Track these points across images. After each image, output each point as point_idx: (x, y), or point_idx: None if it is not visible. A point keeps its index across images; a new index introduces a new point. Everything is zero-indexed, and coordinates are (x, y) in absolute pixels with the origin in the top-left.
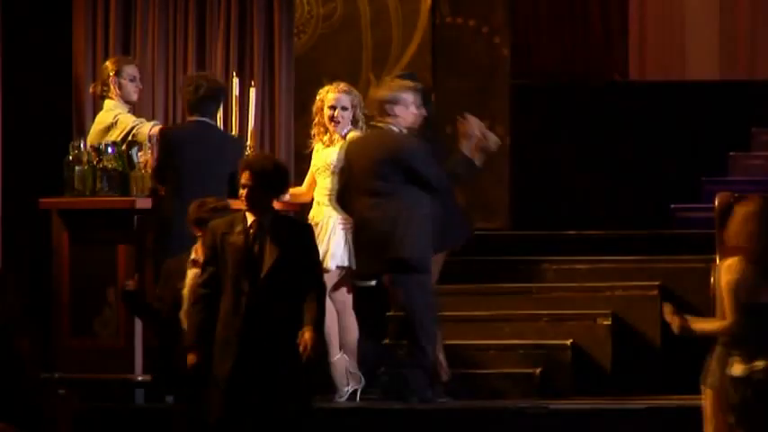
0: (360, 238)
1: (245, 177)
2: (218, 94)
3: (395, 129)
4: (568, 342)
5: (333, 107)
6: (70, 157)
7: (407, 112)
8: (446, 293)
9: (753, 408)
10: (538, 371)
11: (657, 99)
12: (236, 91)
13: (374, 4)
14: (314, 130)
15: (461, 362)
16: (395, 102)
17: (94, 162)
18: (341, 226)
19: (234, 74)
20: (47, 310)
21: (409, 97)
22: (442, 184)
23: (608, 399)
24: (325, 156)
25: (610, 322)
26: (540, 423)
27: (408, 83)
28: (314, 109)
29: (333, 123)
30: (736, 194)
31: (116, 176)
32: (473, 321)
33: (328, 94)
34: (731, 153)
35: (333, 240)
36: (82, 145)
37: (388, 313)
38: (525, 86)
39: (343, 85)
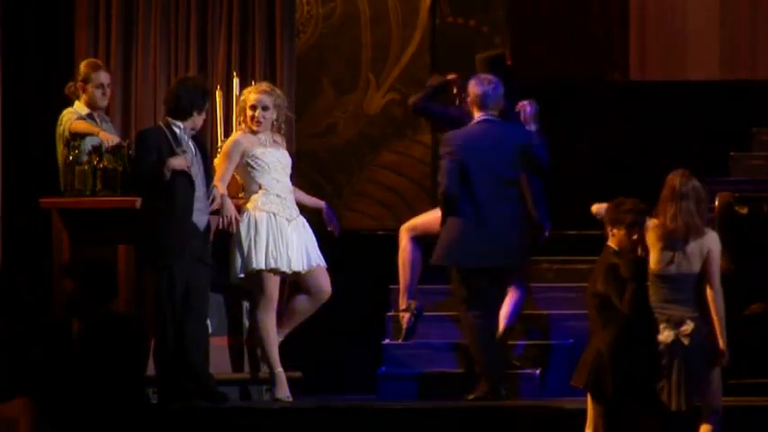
0: None
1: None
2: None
3: None
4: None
5: (254, 107)
6: (70, 157)
7: None
8: (448, 293)
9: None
10: (538, 371)
11: (657, 99)
12: (236, 91)
13: (374, 3)
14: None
15: (462, 362)
16: None
17: (94, 162)
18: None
19: (235, 74)
20: (47, 310)
21: None
22: None
23: None
24: (281, 156)
25: None
26: (539, 422)
27: None
28: (237, 110)
29: (255, 123)
30: (737, 194)
31: (116, 176)
32: None
33: (249, 95)
34: (732, 153)
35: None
36: (82, 145)
37: (388, 313)
38: (525, 86)
39: (264, 86)
